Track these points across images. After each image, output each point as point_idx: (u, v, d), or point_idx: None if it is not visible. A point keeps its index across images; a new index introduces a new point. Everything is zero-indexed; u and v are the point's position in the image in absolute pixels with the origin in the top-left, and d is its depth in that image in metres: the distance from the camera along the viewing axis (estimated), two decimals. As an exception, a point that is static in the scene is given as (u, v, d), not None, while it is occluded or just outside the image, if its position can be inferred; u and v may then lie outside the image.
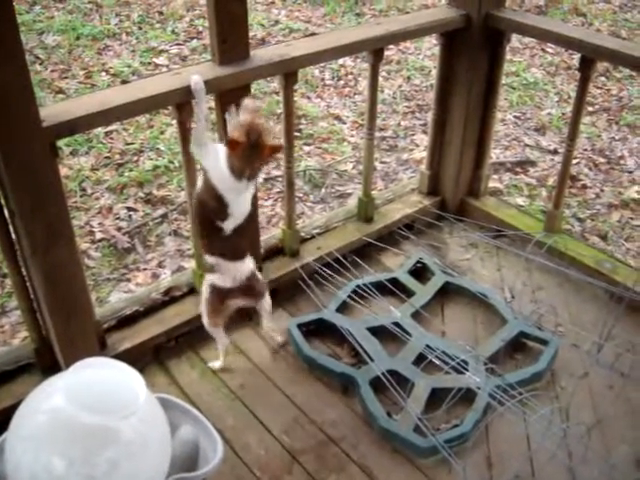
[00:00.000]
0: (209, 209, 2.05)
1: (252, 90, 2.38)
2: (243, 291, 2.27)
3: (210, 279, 2.26)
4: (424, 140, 4.56)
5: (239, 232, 2.12)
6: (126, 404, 1.04)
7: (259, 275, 2.37)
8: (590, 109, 5.19)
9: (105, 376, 1.07)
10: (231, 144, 1.80)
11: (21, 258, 2.09)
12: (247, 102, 1.93)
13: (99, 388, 1.05)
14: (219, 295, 2.26)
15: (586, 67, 2.67)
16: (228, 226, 2.08)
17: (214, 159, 1.95)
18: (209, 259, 2.20)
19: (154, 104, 2.30)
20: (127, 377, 1.09)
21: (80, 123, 1.99)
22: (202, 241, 2.23)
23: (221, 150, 1.95)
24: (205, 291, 2.29)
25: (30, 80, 1.79)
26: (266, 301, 2.41)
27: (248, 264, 2.26)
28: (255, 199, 2.59)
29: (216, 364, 2.45)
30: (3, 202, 1.97)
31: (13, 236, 2.05)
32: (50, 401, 1.03)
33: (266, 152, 1.83)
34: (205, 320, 2.33)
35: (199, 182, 2.09)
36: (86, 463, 1.00)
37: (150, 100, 2.12)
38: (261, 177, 4.08)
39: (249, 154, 1.83)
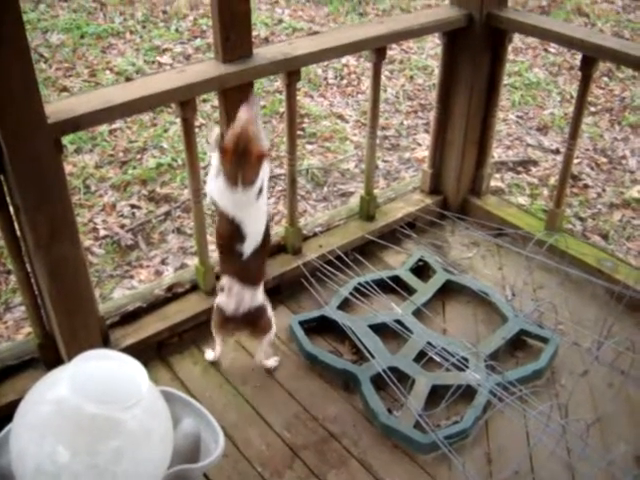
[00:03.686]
0: (227, 235, 2.13)
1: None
2: (245, 322, 2.28)
3: (217, 299, 2.30)
4: (426, 139, 4.57)
5: (256, 255, 2.16)
6: (129, 395, 1.05)
7: (269, 312, 2.33)
8: (593, 109, 5.20)
9: (108, 367, 1.09)
10: (222, 151, 1.97)
11: (26, 254, 2.10)
12: (242, 111, 2.02)
13: (103, 379, 1.07)
14: (221, 316, 2.29)
15: (588, 66, 2.68)
16: (247, 249, 2.13)
17: (214, 174, 2.09)
18: (223, 279, 2.25)
19: (158, 101, 2.31)
20: (130, 369, 1.10)
21: (84, 119, 2.01)
22: (221, 264, 2.31)
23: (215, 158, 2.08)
24: (214, 305, 2.32)
25: (35, 77, 1.81)
26: (267, 338, 2.37)
27: (258, 296, 2.26)
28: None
29: (209, 355, 2.48)
30: (8, 198, 1.99)
31: (18, 232, 2.06)
32: (55, 391, 1.05)
33: (253, 158, 1.97)
34: (211, 323, 2.38)
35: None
36: (90, 452, 1.01)
37: (154, 97, 2.14)
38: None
39: (238, 160, 1.96)
